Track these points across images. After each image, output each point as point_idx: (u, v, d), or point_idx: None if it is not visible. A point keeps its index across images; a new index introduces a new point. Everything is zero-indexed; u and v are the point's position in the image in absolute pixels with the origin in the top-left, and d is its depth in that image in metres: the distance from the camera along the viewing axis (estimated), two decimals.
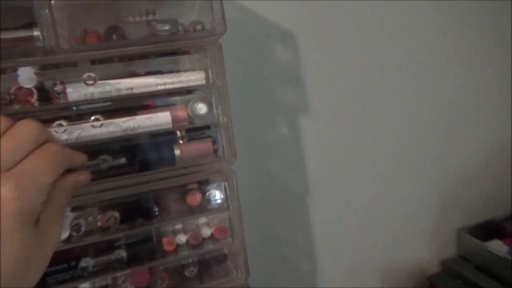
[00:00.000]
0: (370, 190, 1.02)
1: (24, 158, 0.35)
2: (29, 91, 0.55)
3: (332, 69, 0.93)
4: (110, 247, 0.61)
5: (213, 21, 0.58)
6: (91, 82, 0.55)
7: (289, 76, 0.89)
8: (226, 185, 0.63)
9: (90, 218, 0.60)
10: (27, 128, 0.37)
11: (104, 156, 0.57)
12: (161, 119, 0.59)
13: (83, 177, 0.44)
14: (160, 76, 0.59)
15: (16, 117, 0.55)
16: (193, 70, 0.62)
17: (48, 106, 0.55)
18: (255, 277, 0.71)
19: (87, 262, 0.58)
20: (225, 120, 0.60)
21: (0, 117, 0.38)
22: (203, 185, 0.64)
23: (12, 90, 0.55)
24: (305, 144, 0.92)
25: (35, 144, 0.37)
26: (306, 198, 0.94)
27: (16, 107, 0.55)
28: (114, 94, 0.57)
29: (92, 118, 0.55)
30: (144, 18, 0.60)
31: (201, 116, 0.60)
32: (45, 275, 0.57)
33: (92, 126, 0.55)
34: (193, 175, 0.61)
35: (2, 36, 0.51)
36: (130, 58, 0.61)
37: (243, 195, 0.66)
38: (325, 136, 0.94)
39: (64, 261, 0.58)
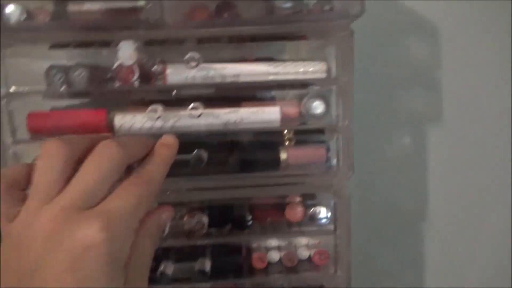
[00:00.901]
0: (505, 223, 0.83)
1: (109, 191, 0.30)
2: (129, 69, 0.49)
3: (475, 76, 0.75)
4: (193, 254, 0.53)
5: (346, 1, 0.47)
6: (194, 64, 0.47)
7: (422, 78, 0.74)
8: (337, 203, 0.51)
9: (177, 216, 0.53)
10: (110, 154, 0.30)
11: (199, 151, 0.50)
12: (268, 114, 0.49)
13: (166, 214, 0.36)
14: (273, 64, 0.50)
15: (116, 96, 0.51)
16: (312, 60, 0.51)
17: (147, 88, 0.49)
18: None
19: (167, 266, 0.51)
20: (346, 124, 0.48)
21: (79, 137, 0.32)
22: (307, 198, 0.53)
23: (114, 67, 0.49)
24: (429, 160, 0.76)
25: (119, 173, 0.31)
26: (422, 226, 0.78)
27: (117, 84, 0.49)
28: (217, 80, 0.49)
29: (191, 106, 0.47)
30: None
31: (316, 116, 0.49)
32: None
33: (190, 115, 0.47)
34: (298, 185, 0.51)
35: (105, 6, 0.45)
36: (240, 40, 0.52)
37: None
38: (455, 151, 0.77)
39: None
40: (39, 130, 0.48)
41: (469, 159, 0.79)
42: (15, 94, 0.47)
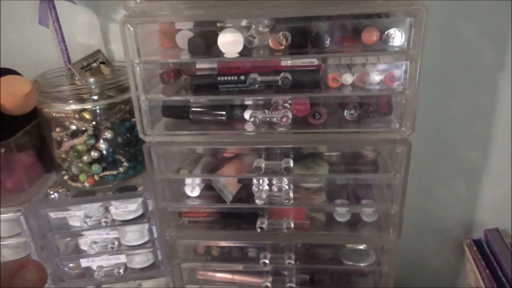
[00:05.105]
0: None
1: None
2: None
3: None
4: (276, 69, 0.61)
5: None
6: None
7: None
8: (413, 22, 0.54)
9: (260, 31, 0.59)
10: None
11: None
12: None
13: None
14: None
15: None
16: None
17: None
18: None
19: (254, 77, 0.60)
20: None
21: None
22: (382, 21, 0.56)
23: None
24: None
25: None
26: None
27: None
28: None
29: None
30: None
31: None
32: (217, 84, 0.61)
33: None
34: (374, 6, 0.54)
35: None
36: None
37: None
38: None
39: (235, 74, 0.61)
40: None
41: None
42: None
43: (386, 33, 0.56)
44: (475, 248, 0.90)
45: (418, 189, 0.96)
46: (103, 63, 0.83)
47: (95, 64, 0.81)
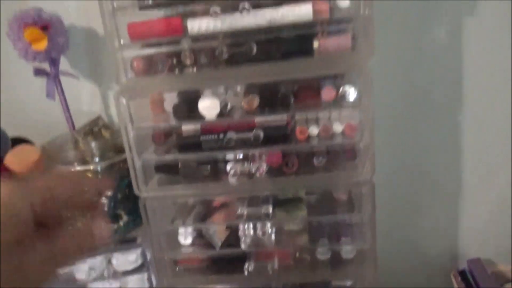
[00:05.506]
0: None
1: None
2: None
3: None
4: (250, 127, 0.69)
5: None
6: None
7: None
8: (361, 80, 0.63)
9: (234, 95, 0.69)
10: None
11: (249, 43, 0.64)
12: (303, 10, 0.61)
13: None
14: None
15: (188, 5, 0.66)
16: None
17: None
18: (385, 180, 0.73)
19: (231, 135, 0.68)
20: (366, 12, 0.59)
21: None
22: (338, 80, 0.66)
23: None
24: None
25: None
26: (458, 107, 0.88)
27: None
28: None
29: (241, 6, 0.61)
30: None
31: (342, 9, 0.61)
32: (201, 142, 0.70)
33: (241, 13, 0.62)
34: (330, 69, 0.63)
35: None
36: None
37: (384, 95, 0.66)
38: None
39: (214, 133, 0.69)
40: (136, 35, 0.66)
41: None
42: (118, 8, 0.65)
43: (341, 90, 0.65)
44: (460, 279, 0.94)
45: (405, 223, 1.02)
46: (103, 127, 0.93)
47: (96, 129, 0.91)
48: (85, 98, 1.01)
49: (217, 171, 0.73)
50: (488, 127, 0.92)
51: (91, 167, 0.83)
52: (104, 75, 1.00)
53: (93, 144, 0.84)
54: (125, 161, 0.85)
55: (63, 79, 0.91)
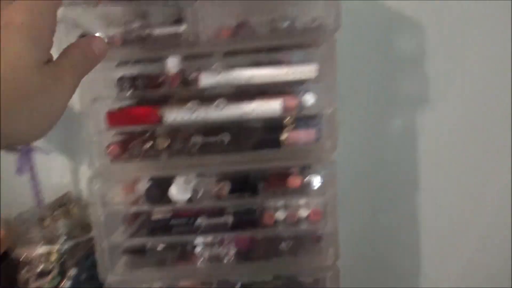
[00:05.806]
0: (487, 190, 0.95)
1: None
2: (175, 76, 0.69)
3: (457, 64, 0.89)
4: (220, 212, 0.72)
5: (330, 18, 0.63)
6: (218, 71, 0.66)
7: (409, 68, 0.89)
8: (325, 172, 0.67)
9: (205, 182, 0.72)
10: None
11: (223, 134, 0.68)
12: (273, 106, 0.66)
13: (96, 44, 0.33)
14: (276, 68, 0.67)
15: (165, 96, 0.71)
16: (307, 63, 0.67)
17: (186, 90, 0.68)
18: (349, 265, 0.75)
19: (201, 220, 0.70)
20: (330, 112, 0.65)
21: None
22: (305, 169, 0.70)
23: (164, 74, 0.69)
24: (419, 138, 0.92)
25: None
26: (415, 193, 0.93)
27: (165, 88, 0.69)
28: (237, 82, 0.67)
29: (216, 102, 0.66)
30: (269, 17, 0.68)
31: (308, 107, 0.66)
32: (171, 226, 0.71)
33: (216, 108, 0.66)
34: (296, 159, 0.68)
35: (157, 32, 0.66)
36: (255, 50, 0.70)
37: (348, 183, 0.70)
38: (442, 131, 0.92)
39: (185, 217, 0.71)
40: (115, 123, 0.69)
41: (454, 137, 0.92)
42: (96, 98, 0.68)
43: (306, 178, 0.69)
44: None
45: None
46: (72, 203, 0.92)
47: (64, 207, 0.90)
48: (56, 171, 1.01)
49: (185, 255, 0.74)
50: (445, 211, 0.98)
51: (57, 247, 0.81)
52: (77, 149, 1.00)
53: (61, 223, 0.83)
54: (91, 239, 0.85)
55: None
